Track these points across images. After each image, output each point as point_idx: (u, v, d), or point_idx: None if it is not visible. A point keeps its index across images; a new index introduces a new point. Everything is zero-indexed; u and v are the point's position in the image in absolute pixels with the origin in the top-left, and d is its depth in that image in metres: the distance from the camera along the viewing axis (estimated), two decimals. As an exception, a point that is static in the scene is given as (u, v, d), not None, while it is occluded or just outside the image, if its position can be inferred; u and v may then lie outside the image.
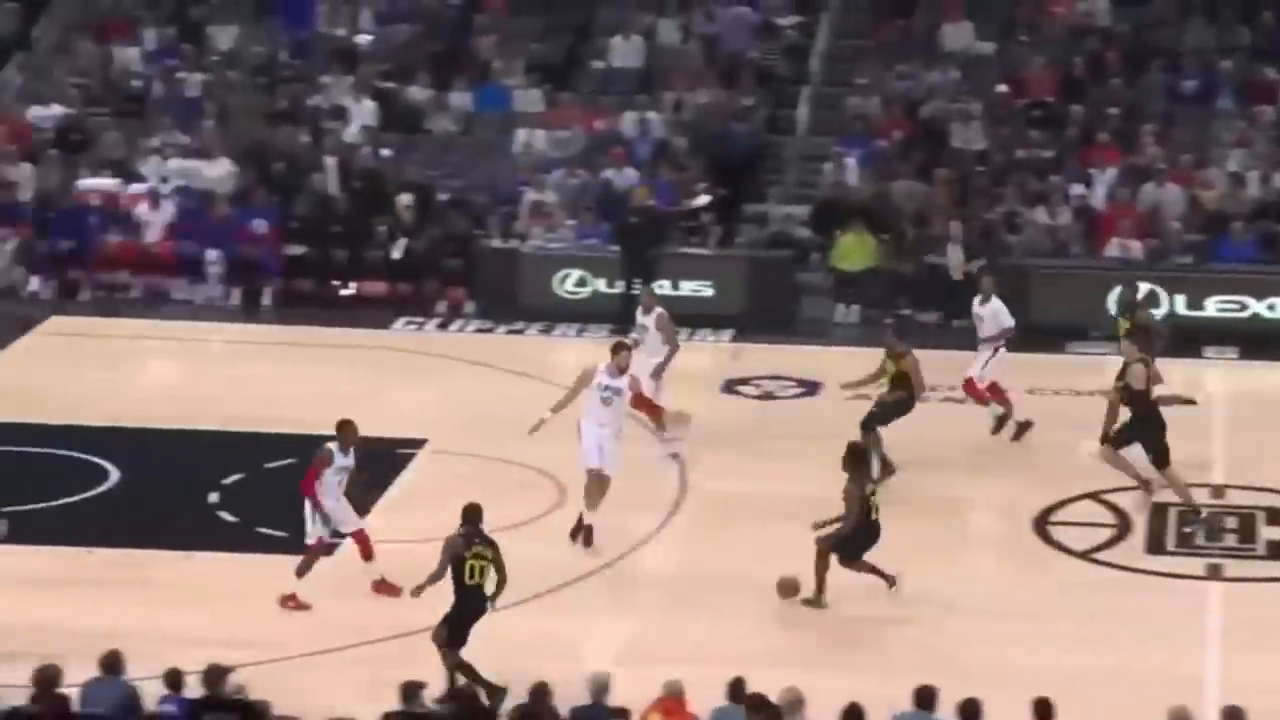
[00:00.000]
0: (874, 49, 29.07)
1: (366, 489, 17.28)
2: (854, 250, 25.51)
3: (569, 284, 25.40)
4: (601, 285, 25.31)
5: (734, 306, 25.12)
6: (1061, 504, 19.01)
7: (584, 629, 16.32)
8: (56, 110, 28.28)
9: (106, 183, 26.92)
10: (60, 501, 18.73)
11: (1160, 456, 18.27)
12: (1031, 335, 22.33)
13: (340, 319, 24.98)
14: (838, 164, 27.13)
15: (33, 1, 30.36)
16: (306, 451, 19.81)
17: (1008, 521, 18.87)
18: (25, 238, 26.16)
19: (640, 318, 20.63)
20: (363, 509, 17.20)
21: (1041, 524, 18.66)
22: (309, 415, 20.72)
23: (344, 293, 26.04)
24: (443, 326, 25.14)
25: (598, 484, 17.88)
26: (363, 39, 29.67)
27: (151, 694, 13.35)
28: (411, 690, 13.13)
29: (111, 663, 13.37)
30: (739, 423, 21.10)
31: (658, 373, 20.03)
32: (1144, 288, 22.23)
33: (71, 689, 13.13)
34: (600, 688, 13.27)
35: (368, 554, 16.88)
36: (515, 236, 26.14)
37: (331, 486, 16.69)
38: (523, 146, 27.79)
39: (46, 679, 12.96)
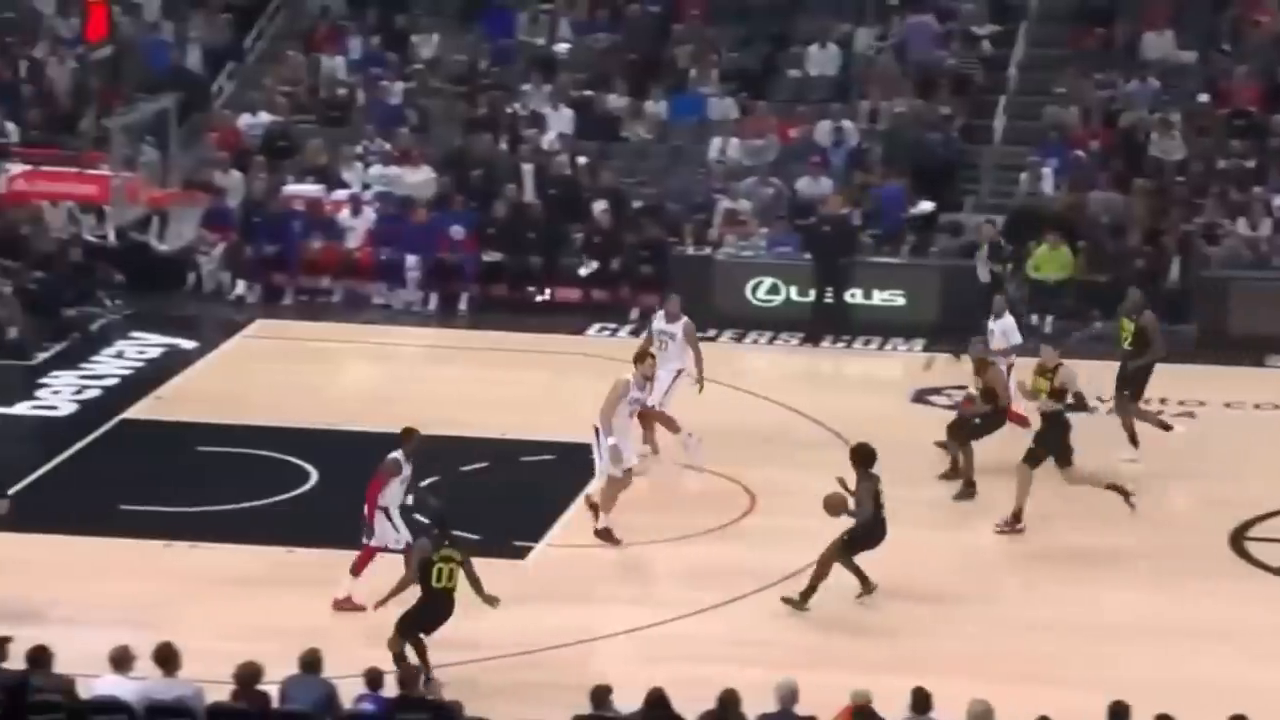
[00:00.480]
0: (1072, 58, 28.83)
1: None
2: (1049, 260, 25.34)
3: (761, 292, 25.52)
4: (794, 293, 25.40)
5: (926, 316, 25.08)
6: (1261, 519, 18.78)
7: (774, 635, 16.41)
8: (265, 118, 28.96)
9: (310, 189, 27.53)
10: (262, 501, 19.22)
11: (1063, 456, 18.44)
12: (1230, 348, 22.03)
13: (535, 324, 25.32)
14: (1034, 173, 26.97)
15: (245, 11, 31.09)
16: (500, 456, 20.38)
17: (1204, 536, 18.66)
18: (233, 242, 26.82)
19: (665, 325, 20.63)
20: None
21: (1238, 539, 18.45)
22: (504, 420, 21.18)
23: (539, 299, 26.39)
24: (636, 333, 25.36)
25: (622, 485, 18.14)
26: (561, 48, 30.03)
27: (349, 693, 13.65)
28: (601, 694, 13.30)
29: (311, 661, 13.71)
30: (928, 432, 21.05)
31: (698, 384, 20.08)
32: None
33: (271, 686, 13.46)
34: (789, 695, 13.35)
35: (360, 568, 16.82)
36: (709, 244, 26.30)
37: (396, 496, 16.83)
38: (717, 154, 27.95)
39: (248, 676, 13.30)
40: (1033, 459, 18.52)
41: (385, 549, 16.84)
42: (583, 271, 26.16)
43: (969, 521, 18.92)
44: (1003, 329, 21.03)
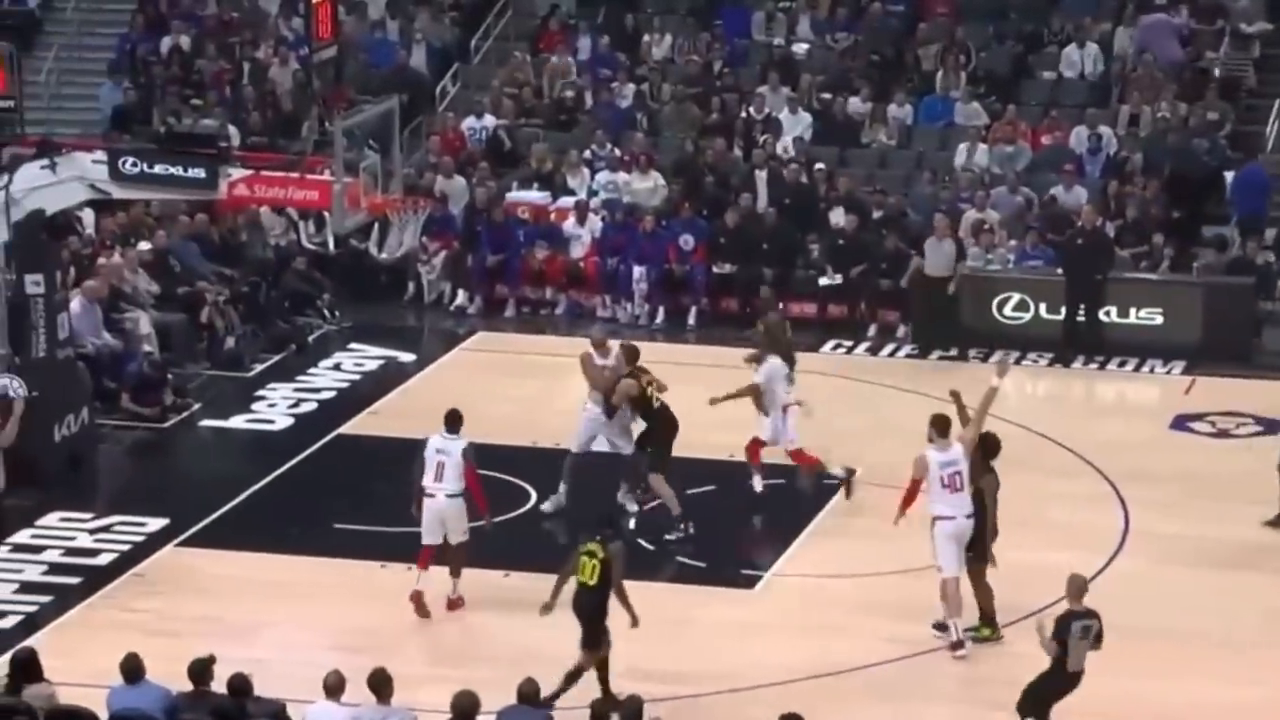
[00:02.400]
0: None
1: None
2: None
3: (1009, 308, 25.27)
4: (1043, 310, 25.10)
5: (1186, 336, 24.66)
6: None
7: (1015, 674, 16.20)
8: (489, 121, 29.35)
9: (535, 196, 27.83)
10: (480, 522, 19.39)
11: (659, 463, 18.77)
12: None
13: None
14: (1308, 185, 26.40)
15: (472, 10, 31.53)
16: (727, 477, 20.39)
17: None
18: (454, 251, 27.18)
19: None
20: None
21: None
22: (732, 440, 21.15)
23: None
24: (873, 351, 25.25)
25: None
26: (800, 48, 30.04)
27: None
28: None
29: (528, 693, 13.75)
30: (1188, 462, 20.68)
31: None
32: None
33: (487, 717, 13.57)
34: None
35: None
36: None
37: None
38: (964, 161, 27.73)
39: (466, 707, 13.33)
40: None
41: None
42: (824, 281, 26.07)
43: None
44: None
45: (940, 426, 17.03)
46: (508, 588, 17.99)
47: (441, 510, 17.40)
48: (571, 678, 15.36)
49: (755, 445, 20.10)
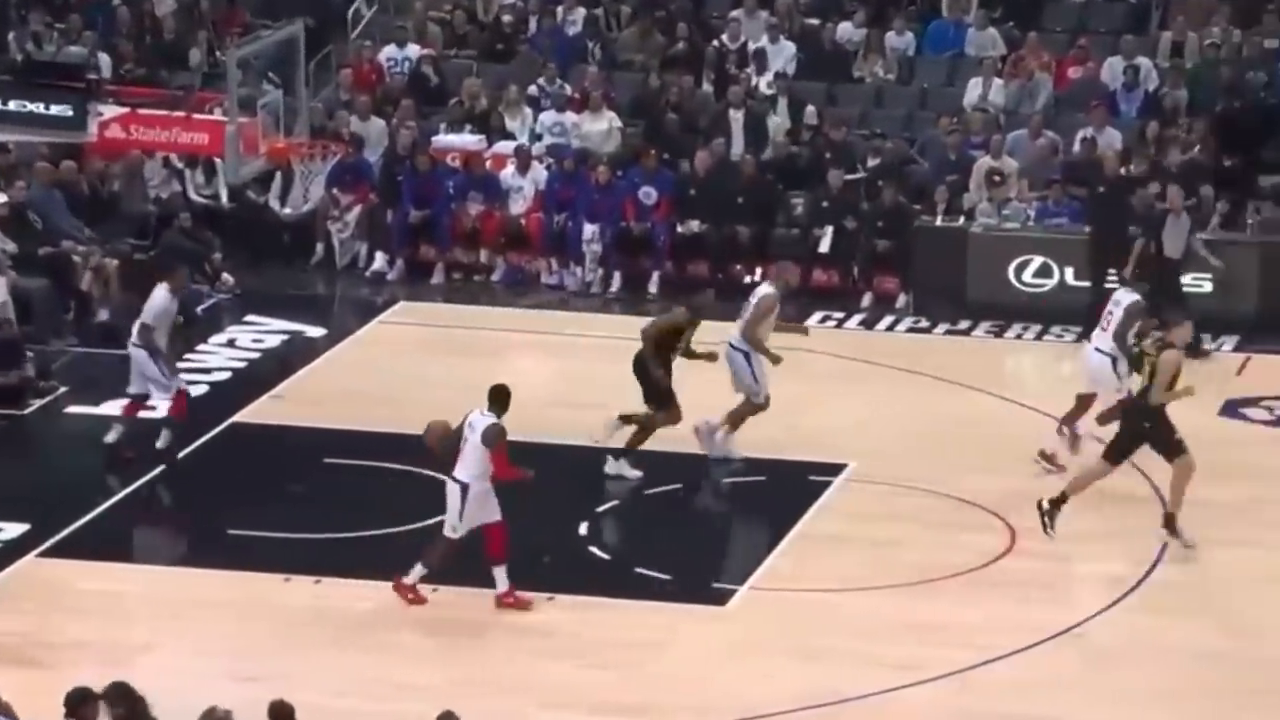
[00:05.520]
0: None
1: None
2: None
3: (1028, 274, 25.41)
4: (1069, 276, 25.25)
5: (1241, 306, 24.83)
6: None
7: (1023, 708, 16.36)
8: (412, 51, 29.36)
9: (467, 140, 27.85)
10: (403, 528, 19.46)
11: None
12: None
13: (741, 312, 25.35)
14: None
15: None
16: (697, 476, 20.45)
17: None
18: (371, 205, 27.18)
19: None
20: None
21: None
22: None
23: (748, 280, 26.45)
24: (868, 324, 25.34)
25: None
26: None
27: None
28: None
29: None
30: (1243, 454, 20.82)
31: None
32: None
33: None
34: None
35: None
36: (962, 214, 26.22)
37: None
38: (977, 100, 27.85)
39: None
40: None
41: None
42: (823, 247, 26.13)
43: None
44: None
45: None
46: (435, 603, 18.05)
47: (448, 495, 17.79)
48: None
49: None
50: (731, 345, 20.84)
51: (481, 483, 17.69)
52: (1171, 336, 18.93)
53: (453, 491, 17.74)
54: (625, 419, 20.60)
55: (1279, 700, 16.55)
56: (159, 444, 20.84)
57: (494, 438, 17.60)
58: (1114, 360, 20.44)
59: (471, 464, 17.70)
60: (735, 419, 20.84)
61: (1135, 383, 19.22)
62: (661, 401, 20.55)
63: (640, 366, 20.60)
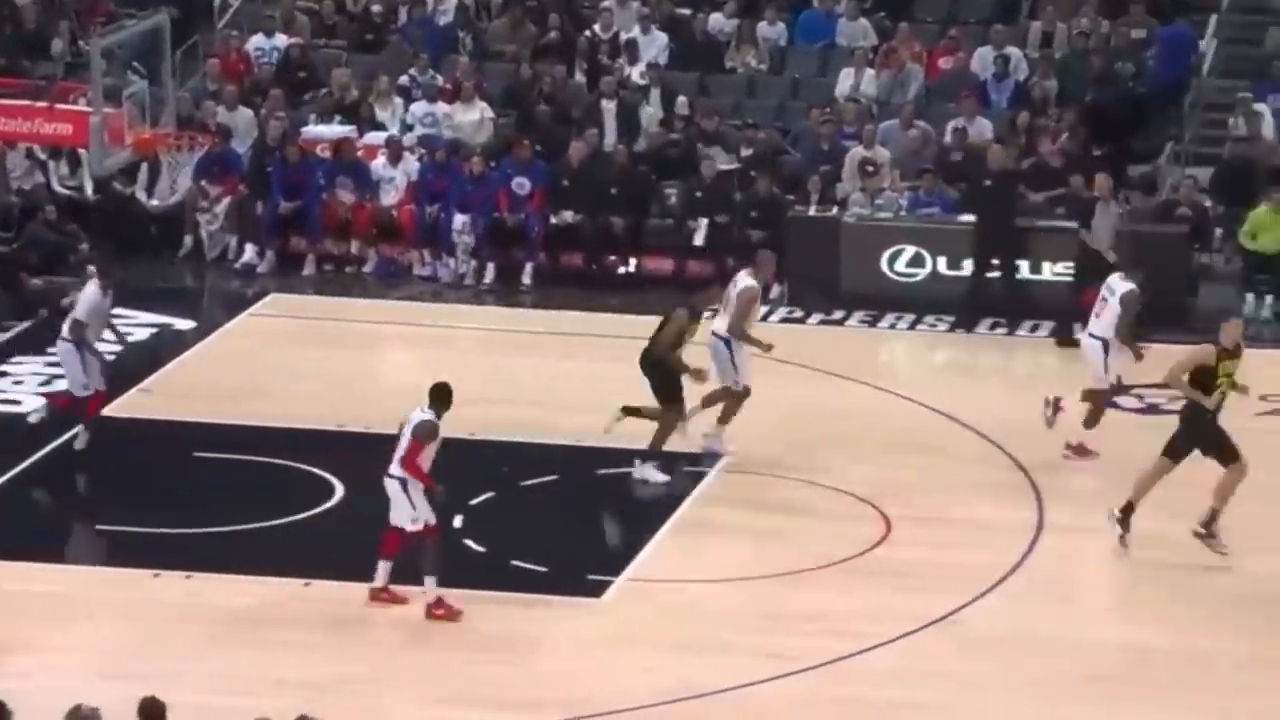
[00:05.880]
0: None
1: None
2: (1269, 226, 25.23)
3: (901, 263, 25.52)
4: (942, 266, 25.37)
5: (1111, 295, 24.99)
6: None
7: (907, 694, 16.44)
8: (281, 41, 29.20)
9: (337, 130, 27.71)
10: (275, 522, 19.38)
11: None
12: None
13: (616, 303, 25.41)
14: (1250, 115, 26.82)
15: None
16: (571, 467, 20.45)
17: None
18: (240, 197, 27.02)
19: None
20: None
21: None
22: (576, 421, 21.25)
23: (621, 270, 26.48)
24: (743, 314, 25.41)
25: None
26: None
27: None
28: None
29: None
30: (1113, 445, 20.96)
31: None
32: None
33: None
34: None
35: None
36: (835, 204, 26.32)
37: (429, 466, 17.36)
38: (849, 90, 27.96)
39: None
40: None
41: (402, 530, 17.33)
42: (699, 240, 26.16)
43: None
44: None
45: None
46: (308, 599, 17.96)
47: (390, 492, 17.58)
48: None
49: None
50: (714, 334, 20.80)
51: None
52: (1221, 337, 18.70)
53: (392, 487, 17.50)
54: (628, 411, 20.42)
55: (1147, 685, 16.69)
56: (77, 446, 20.69)
57: (425, 434, 17.33)
58: (1105, 345, 20.56)
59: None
60: (724, 414, 20.72)
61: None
62: (672, 398, 20.34)
63: (653, 362, 20.39)
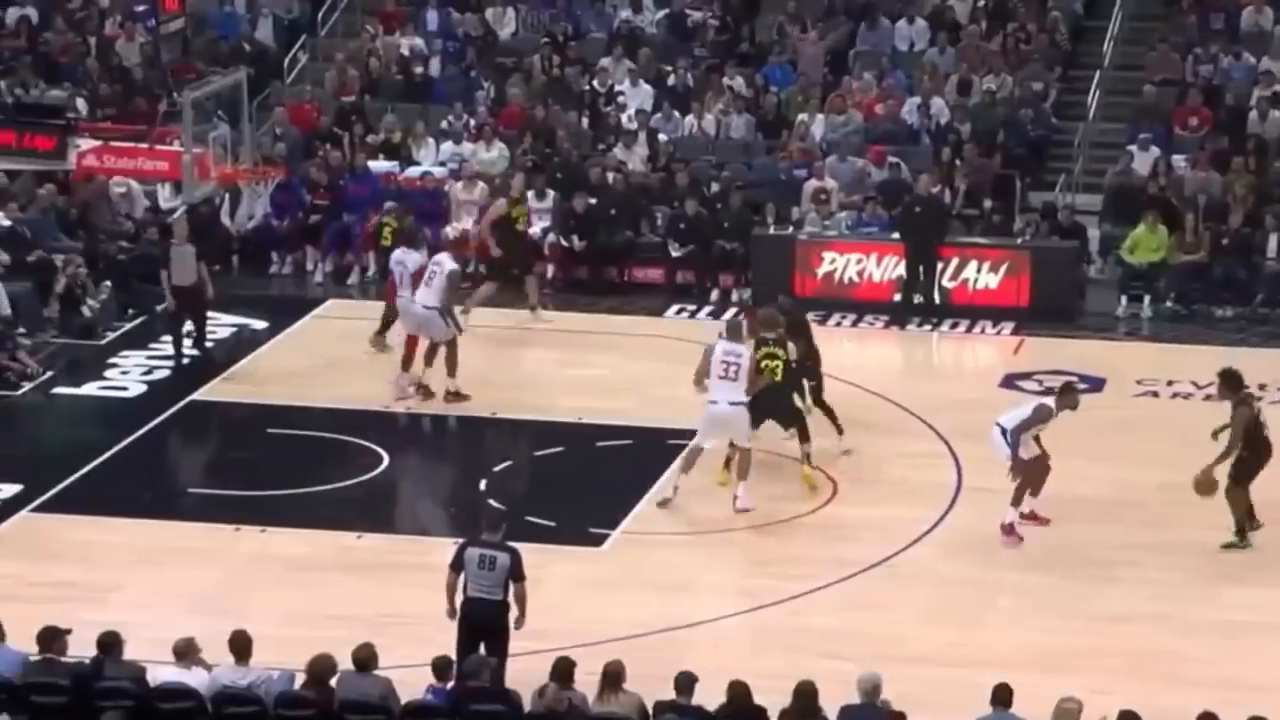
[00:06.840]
0: (1170, 30, 28.64)
1: None
2: (1145, 242, 25.14)
3: (846, 272, 25.32)
4: (879, 275, 25.23)
5: (1015, 299, 24.88)
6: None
7: (858, 626, 16.36)
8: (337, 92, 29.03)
9: (385, 165, 27.54)
10: (333, 485, 19.29)
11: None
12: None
13: (613, 305, 25.28)
14: (1130, 153, 26.71)
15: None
16: (576, 441, 20.36)
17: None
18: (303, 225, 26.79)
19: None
20: None
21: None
22: (578, 404, 21.16)
23: (617, 280, 26.30)
24: (715, 315, 25.29)
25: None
26: (644, 20, 30.06)
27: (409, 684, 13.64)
28: (686, 681, 13.23)
29: (363, 660, 13.43)
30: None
31: None
32: None
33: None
34: (872, 688, 13.29)
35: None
36: (791, 224, 26.17)
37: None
38: (803, 130, 27.80)
39: (323, 671, 13.21)
40: None
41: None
42: (675, 252, 25.99)
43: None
44: None
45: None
46: (360, 549, 17.87)
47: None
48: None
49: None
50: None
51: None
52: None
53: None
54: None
55: (1035, 612, 16.66)
56: None
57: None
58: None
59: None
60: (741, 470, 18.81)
61: None
62: (799, 422, 19.33)
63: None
